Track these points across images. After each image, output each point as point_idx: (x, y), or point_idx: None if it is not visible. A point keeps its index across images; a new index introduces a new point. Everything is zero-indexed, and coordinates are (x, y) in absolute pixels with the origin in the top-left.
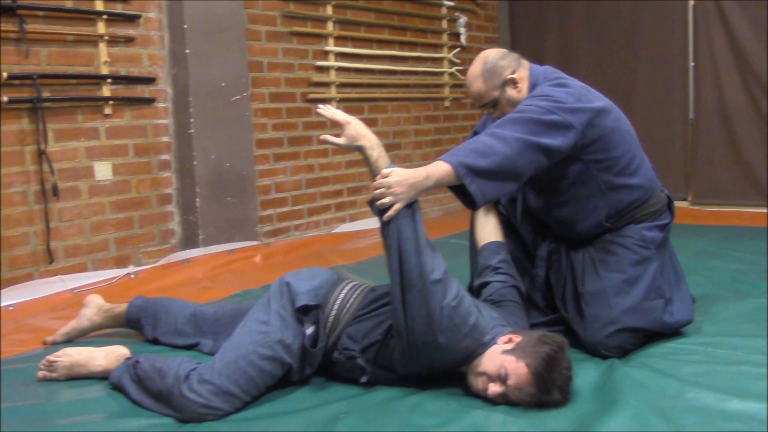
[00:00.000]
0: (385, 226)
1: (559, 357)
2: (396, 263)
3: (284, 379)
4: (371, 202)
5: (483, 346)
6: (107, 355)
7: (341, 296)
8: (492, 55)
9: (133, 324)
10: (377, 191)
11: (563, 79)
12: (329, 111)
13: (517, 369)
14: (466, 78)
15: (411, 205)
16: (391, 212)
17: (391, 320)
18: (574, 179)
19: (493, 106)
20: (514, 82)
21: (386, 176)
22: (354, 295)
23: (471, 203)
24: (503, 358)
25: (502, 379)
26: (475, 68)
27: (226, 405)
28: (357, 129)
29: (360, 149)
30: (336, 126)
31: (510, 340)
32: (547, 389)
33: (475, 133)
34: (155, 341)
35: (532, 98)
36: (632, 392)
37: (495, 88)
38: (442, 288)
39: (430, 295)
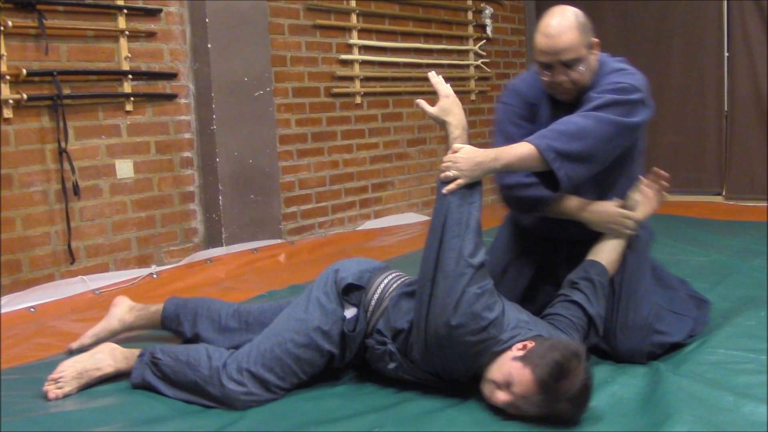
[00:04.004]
0: (438, 200)
1: (570, 365)
2: (437, 240)
3: (327, 368)
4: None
5: (498, 344)
6: (111, 354)
7: (385, 282)
8: (579, 12)
9: (170, 321)
10: (444, 164)
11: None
12: (437, 78)
13: (522, 375)
14: (548, 27)
15: (472, 188)
16: (451, 186)
17: (416, 301)
18: (627, 168)
19: (569, 66)
20: (595, 48)
21: (456, 151)
22: (396, 283)
23: (553, 186)
24: (511, 365)
25: (507, 386)
26: (567, 19)
27: (266, 393)
28: (451, 105)
29: (444, 124)
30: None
31: (524, 347)
32: (554, 398)
33: (504, 104)
34: (195, 338)
35: (618, 74)
36: (685, 405)
37: (585, 45)
38: (473, 274)
39: (460, 277)
